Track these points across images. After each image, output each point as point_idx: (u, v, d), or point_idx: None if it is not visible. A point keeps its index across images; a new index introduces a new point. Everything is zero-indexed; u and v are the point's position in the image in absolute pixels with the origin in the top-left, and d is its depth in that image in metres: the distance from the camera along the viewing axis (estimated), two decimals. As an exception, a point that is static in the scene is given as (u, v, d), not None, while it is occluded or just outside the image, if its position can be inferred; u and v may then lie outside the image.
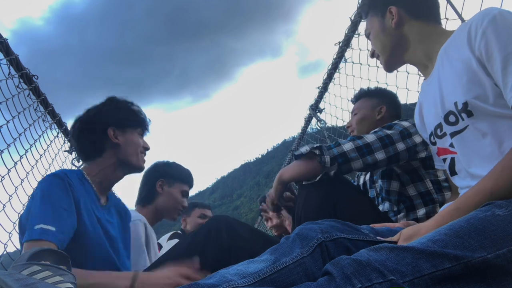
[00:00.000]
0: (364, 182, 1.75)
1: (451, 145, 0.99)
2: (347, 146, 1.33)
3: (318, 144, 1.34)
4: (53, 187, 1.15)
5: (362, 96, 1.80)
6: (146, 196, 1.92)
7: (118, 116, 1.42)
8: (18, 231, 1.22)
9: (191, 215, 2.87)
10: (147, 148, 1.47)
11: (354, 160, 1.32)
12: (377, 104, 1.73)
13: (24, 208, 1.21)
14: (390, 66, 1.21)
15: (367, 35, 1.24)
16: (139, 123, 1.47)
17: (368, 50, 2.20)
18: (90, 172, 1.35)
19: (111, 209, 1.40)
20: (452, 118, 0.94)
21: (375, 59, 1.27)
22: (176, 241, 2.40)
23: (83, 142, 1.38)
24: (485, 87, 0.85)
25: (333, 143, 1.36)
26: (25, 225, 1.10)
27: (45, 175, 2.10)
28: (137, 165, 1.42)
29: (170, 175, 1.96)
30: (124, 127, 1.41)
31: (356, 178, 1.84)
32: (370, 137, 1.36)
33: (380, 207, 1.58)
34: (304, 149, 1.34)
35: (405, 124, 1.43)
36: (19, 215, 1.70)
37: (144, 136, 1.50)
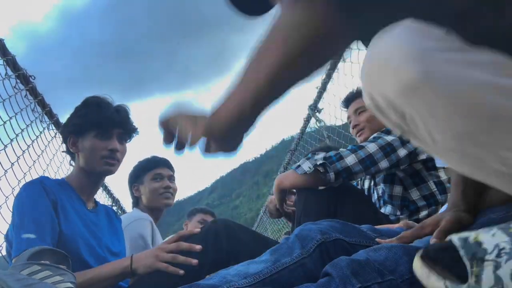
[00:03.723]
0: (369, 187, 1.74)
1: None
2: (350, 159, 1.32)
3: (320, 160, 1.31)
4: (29, 194, 1.14)
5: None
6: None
7: (75, 121, 1.30)
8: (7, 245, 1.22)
9: (192, 220, 2.82)
10: (113, 150, 1.26)
11: (358, 173, 1.33)
12: None
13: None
14: None
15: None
16: (94, 126, 1.26)
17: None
18: (70, 178, 1.33)
19: (99, 213, 1.37)
20: None
21: None
22: None
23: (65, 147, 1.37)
24: None
25: (333, 153, 1.35)
26: (11, 239, 1.11)
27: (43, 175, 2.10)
28: (95, 172, 1.28)
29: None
30: (82, 133, 1.28)
31: (360, 181, 1.83)
32: (371, 147, 1.36)
33: (382, 210, 1.57)
34: (307, 166, 1.31)
35: None
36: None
37: (111, 136, 1.28)
